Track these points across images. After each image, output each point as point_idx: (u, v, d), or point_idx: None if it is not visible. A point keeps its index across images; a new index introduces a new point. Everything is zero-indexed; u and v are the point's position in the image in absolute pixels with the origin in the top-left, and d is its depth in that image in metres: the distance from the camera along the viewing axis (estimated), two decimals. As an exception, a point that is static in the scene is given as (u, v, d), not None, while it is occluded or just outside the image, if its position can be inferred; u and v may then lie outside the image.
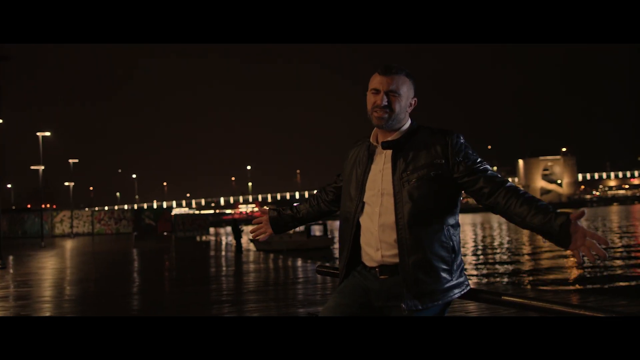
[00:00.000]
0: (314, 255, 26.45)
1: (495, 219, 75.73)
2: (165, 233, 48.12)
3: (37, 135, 37.21)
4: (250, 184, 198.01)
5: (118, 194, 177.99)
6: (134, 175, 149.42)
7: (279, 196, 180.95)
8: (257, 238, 2.93)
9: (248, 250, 26.55)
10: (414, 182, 2.37)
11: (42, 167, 38.77)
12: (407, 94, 2.47)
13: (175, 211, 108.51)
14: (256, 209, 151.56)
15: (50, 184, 78.97)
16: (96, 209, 74.82)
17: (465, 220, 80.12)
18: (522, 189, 2.30)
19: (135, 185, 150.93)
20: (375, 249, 2.44)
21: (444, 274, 2.35)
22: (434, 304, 2.33)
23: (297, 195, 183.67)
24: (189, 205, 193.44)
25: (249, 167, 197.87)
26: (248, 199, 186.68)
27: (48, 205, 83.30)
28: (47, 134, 37.13)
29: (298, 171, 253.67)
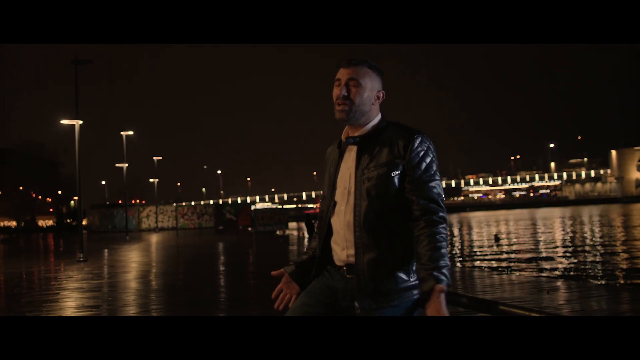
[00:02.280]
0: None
1: (587, 213, 72.25)
2: (246, 227, 48.76)
3: (122, 135, 38.51)
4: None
5: (204, 189, 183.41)
6: (219, 171, 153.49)
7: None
8: (281, 308, 2.60)
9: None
10: (372, 180, 2.34)
11: (126, 165, 40.15)
12: (369, 85, 2.41)
13: (259, 206, 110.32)
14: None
15: (141, 181, 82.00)
16: (183, 204, 77.00)
17: (554, 214, 76.78)
18: (442, 230, 2.27)
19: (220, 181, 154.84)
20: (342, 248, 2.42)
21: (400, 274, 2.31)
22: (389, 305, 2.29)
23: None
24: (272, 200, 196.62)
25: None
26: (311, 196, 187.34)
27: (137, 201, 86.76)
28: (130, 133, 38.38)
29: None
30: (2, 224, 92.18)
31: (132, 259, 18.84)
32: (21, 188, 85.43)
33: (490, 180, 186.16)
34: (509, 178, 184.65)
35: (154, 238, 36.61)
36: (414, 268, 2.32)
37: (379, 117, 2.46)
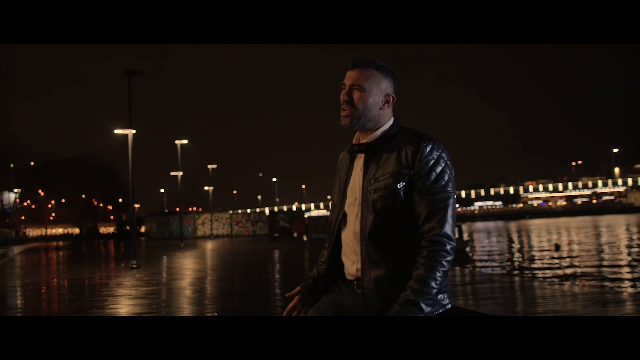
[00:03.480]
0: (459, 259, 25.32)
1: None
2: (300, 235, 48.82)
3: (176, 144, 39.20)
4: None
5: (259, 197, 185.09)
6: (274, 179, 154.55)
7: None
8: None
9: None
10: (379, 191, 2.18)
11: (181, 173, 40.87)
12: (375, 88, 2.23)
13: (313, 213, 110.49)
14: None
15: (197, 189, 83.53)
16: (239, 211, 77.81)
17: (619, 222, 73.83)
18: (441, 251, 2.10)
19: (275, 188, 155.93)
20: (352, 262, 2.28)
21: None
22: None
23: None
24: (326, 207, 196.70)
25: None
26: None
27: (194, 208, 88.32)
28: (185, 141, 39.01)
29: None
30: (66, 231, 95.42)
31: (185, 265, 19.02)
32: (83, 196, 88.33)
33: (551, 187, 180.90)
34: (570, 184, 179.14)
35: (209, 245, 37.04)
36: None
37: (390, 122, 2.30)
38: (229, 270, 17.29)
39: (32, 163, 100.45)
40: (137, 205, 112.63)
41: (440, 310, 2.14)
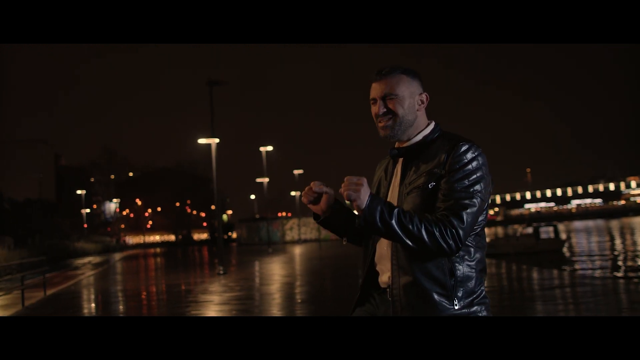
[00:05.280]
0: (544, 260, 24.16)
1: None
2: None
3: (261, 150, 39.78)
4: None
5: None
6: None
7: (508, 197, 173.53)
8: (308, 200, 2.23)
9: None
10: (411, 193, 2.09)
11: (267, 180, 41.44)
12: (408, 92, 2.17)
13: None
14: (491, 212, 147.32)
15: (285, 194, 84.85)
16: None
17: None
18: (437, 233, 1.96)
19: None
20: (385, 270, 2.19)
21: (442, 300, 2.03)
22: None
23: (528, 195, 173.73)
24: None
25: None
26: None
27: (283, 214, 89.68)
28: (270, 148, 39.46)
29: (528, 170, 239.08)
30: (162, 239, 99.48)
31: (272, 270, 19.17)
32: (177, 204, 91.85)
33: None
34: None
35: (297, 250, 37.33)
36: (460, 294, 2.05)
37: (431, 126, 2.22)
38: (317, 274, 17.22)
39: (131, 174, 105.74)
40: (229, 212, 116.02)
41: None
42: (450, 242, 1.95)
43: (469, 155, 2.04)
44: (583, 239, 45.33)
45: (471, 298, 2.07)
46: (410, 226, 1.94)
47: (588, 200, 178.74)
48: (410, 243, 1.96)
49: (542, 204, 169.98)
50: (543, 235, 31.84)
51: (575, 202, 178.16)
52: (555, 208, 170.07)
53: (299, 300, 10.84)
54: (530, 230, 32.23)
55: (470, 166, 2.02)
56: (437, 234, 1.94)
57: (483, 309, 2.09)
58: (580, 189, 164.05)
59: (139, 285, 17.20)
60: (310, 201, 2.22)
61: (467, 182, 2.01)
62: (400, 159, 2.22)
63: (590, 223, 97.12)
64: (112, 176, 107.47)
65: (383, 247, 2.21)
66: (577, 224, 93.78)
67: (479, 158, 2.05)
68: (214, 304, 10.78)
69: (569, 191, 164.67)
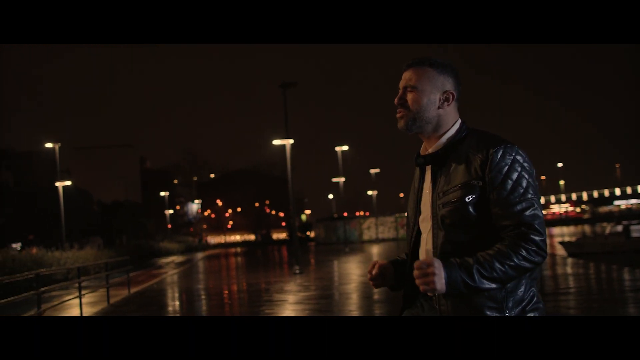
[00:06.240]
0: (635, 260, 22.92)
1: None
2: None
3: (336, 150, 39.87)
4: (562, 182, 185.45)
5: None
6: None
7: (595, 193, 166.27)
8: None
9: (553, 255, 24.05)
10: (447, 206, 1.99)
11: (343, 179, 41.48)
12: (429, 87, 2.06)
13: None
14: (570, 209, 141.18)
15: (362, 193, 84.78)
16: (405, 214, 77.31)
17: None
18: (524, 252, 1.87)
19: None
20: None
21: (492, 314, 1.93)
22: None
23: (617, 191, 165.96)
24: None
25: (560, 165, 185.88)
26: (560, 199, 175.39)
27: (361, 213, 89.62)
28: (345, 147, 39.45)
29: (617, 165, 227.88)
30: (242, 238, 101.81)
31: (348, 270, 19.15)
32: (257, 205, 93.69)
33: None
34: None
35: (374, 249, 37.14)
36: (510, 304, 1.95)
37: (456, 125, 2.10)
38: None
39: (212, 175, 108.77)
40: (308, 211, 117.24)
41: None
42: (537, 258, 1.88)
43: (508, 160, 1.94)
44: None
45: (521, 306, 1.97)
46: (495, 274, 1.86)
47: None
48: (504, 285, 1.90)
49: (633, 201, 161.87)
50: (634, 234, 30.23)
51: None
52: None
53: (375, 300, 10.73)
54: (620, 228, 30.70)
55: (514, 173, 1.93)
56: (522, 262, 1.87)
57: (537, 314, 1.99)
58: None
59: (219, 283, 17.61)
60: (378, 285, 2.23)
61: (520, 190, 1.92)
62: (428, 166, 2.14)
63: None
64: (195, 178, 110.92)
65: (423, 256, 2.14)
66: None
67: (518, 158, 1.95)
68: (288, 303, 10.86)
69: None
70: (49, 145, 33.34)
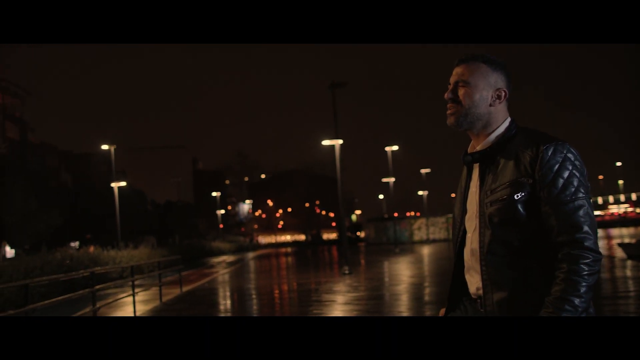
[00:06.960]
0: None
1: None
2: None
3: (386, 150, 39.62)
4: (621, 181, 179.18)
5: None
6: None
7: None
8: None
9: (612, 257, 23.21)
10: (495, 204, 1.95)
11: (393, 179, 41.19)
12: (481, 83, 2.03)
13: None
14: (630, 209, 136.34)
15: (412, 194, 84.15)
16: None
17: None
18: (584, 266, 1.81)
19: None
20: (473, 281, 2.07)
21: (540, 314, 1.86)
22: None
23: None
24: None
25: (619, 164, 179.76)
26: (619, 199, 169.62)
27: (412, 213, 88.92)
28: (395, 147, 39.20)
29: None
30: (293, 238, 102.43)
31: (398, 271, 18.98)
32: (307, 205, 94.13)
33: None
34: None
35: (425, 250, 36.74)
36: None
37: (506, 123, 2.06)
38: (444, 275, 16.79)
39: (263, 176, 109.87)
40: (358, 212, 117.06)
41: None
42: (597, 266, 1.84)
43: (559, 157, 1.88)
44: None
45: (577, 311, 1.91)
46: (580, 306, 1.82)
47: None
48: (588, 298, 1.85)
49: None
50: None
51: None
52: None
53: (426, 302, 10.58)
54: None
55: (566, 171, 1.87)
56: (589, 279, 1.82)
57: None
58: None
59: (269, 283, 17.71)
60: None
61: (572, 188, 1.86)
62: (478, 164, 2.09)
63: None
64: (246, 178, 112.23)
65: (468, 256, 2.10)
66: None
67: (569, 156, 1.89)
68: (337, 304, 10.81)
69: None
70: (105, 147, 34.22)
